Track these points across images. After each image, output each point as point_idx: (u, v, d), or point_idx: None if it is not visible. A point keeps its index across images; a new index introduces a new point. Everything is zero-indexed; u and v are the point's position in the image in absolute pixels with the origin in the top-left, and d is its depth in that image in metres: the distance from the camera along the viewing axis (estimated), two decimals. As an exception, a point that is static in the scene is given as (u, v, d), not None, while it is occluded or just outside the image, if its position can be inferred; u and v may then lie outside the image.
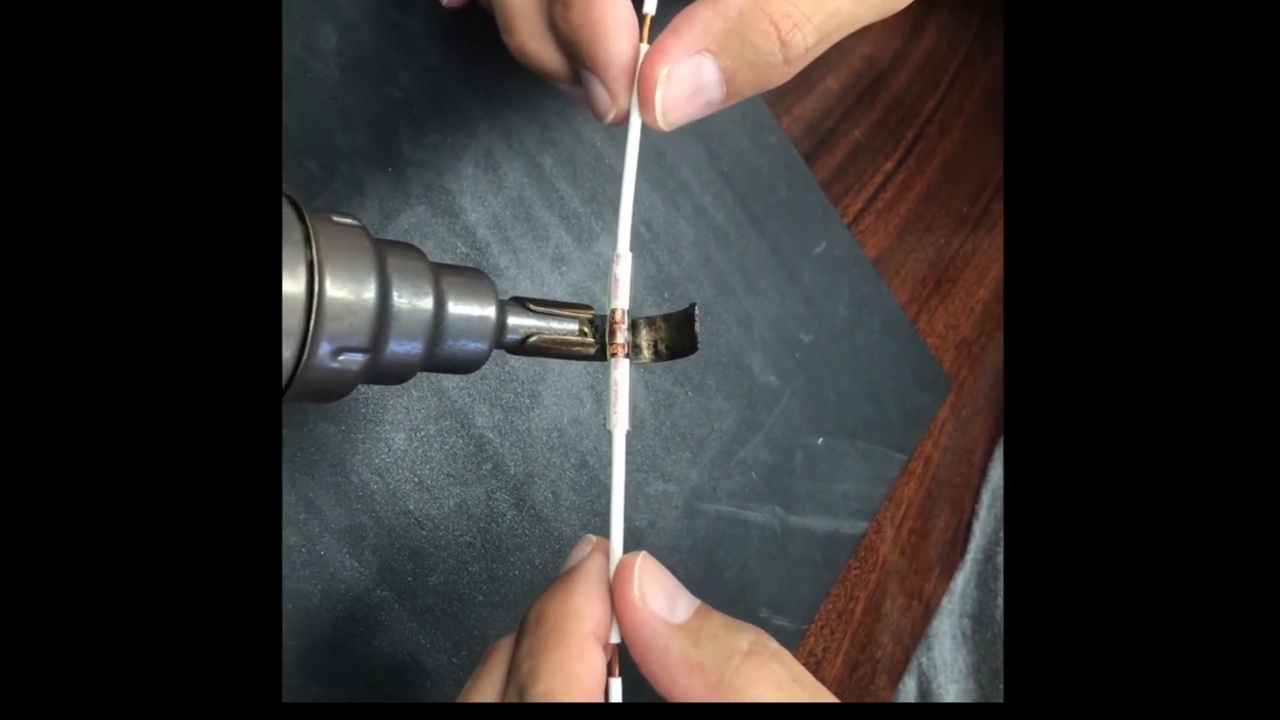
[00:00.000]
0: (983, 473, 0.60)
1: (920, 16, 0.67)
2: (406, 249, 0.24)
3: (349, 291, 0.22)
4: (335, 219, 0.22)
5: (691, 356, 0.26)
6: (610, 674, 0.22)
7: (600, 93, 0.25)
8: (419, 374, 0.25)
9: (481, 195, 0.39)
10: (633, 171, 0.25)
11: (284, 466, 0.32)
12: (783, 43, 0.23)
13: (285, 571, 0.31)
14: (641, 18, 0.25)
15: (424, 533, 0.34)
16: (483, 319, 0.25)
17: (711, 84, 0.24)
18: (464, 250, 0.38)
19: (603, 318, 0.26)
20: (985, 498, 0.59)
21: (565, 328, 0.26)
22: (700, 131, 0.48)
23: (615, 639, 0.23)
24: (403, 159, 0.36)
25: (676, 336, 0.26)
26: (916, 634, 0.54)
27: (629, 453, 0.41)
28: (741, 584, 0.44)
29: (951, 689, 0.53)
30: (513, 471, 0.37)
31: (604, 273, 0.25)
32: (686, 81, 0.24)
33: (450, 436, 0.36)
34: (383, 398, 0.34)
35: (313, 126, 0.34)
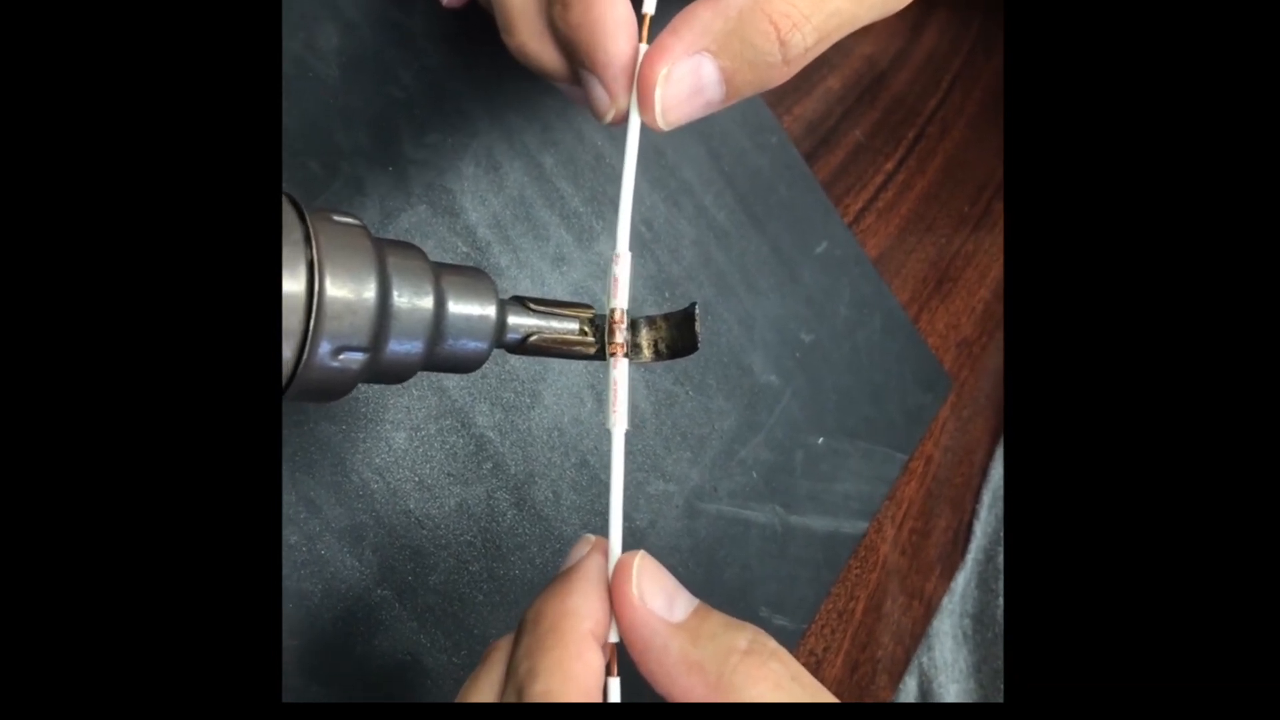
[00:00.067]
0: (984, 472, 0.60)
1: (921, 16, 0.67)
2: (407, 248, 0.24)
3: (349, 291, 0.22)
4: (336, 218, 0.22)
5: (692, 356, 0.26)
6: (609, 673, 0.22)
7: (599, 92, 0.25)
8: (419, 373, 0.25)
9: (482, 195, 0.39)
10: (632, 171, 0.25)
11: (285, 466, 0.32)
12: (782, 43, 0.23)
13: (286, 571, 0.31)
14: (641, 17, 0.25)
15: (424, 532, 0.34)
16: (483, 318, 0.25)
17: (711, 84, 0.24)
18: (465, 250, 0.38)
19: (603, 317, 0.26)
20: (986, 498, 0.59)
21: (566, 327, 0.26)
22: (701, 131, 0.48)
23: (614, 638, 0.23)
24: (404, 158, 0.37)
25: (677, 336, 0.26)
26: (917, 634, 0.54)
27: (630, 452, 0.41)
28: (742, 584, 0.44)
29: (952, 689, 0.53)
30: (513, 471, 0.37)
31: (604, 272, 0.25)
32: (686, 81, 0.24)
33: (451, 436, 0.36)
34: (383, 397, 0.35)
35: (314, 126, 0.34)
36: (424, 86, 0.38)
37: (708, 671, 0.21)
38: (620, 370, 0.25)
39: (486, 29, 0.30)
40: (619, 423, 0.25)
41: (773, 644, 0.21)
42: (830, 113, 0.58)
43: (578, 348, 0.26)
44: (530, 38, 0.27)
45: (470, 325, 0.25)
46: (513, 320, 0.26)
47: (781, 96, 0.55)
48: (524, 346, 0.26)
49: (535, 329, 0.26)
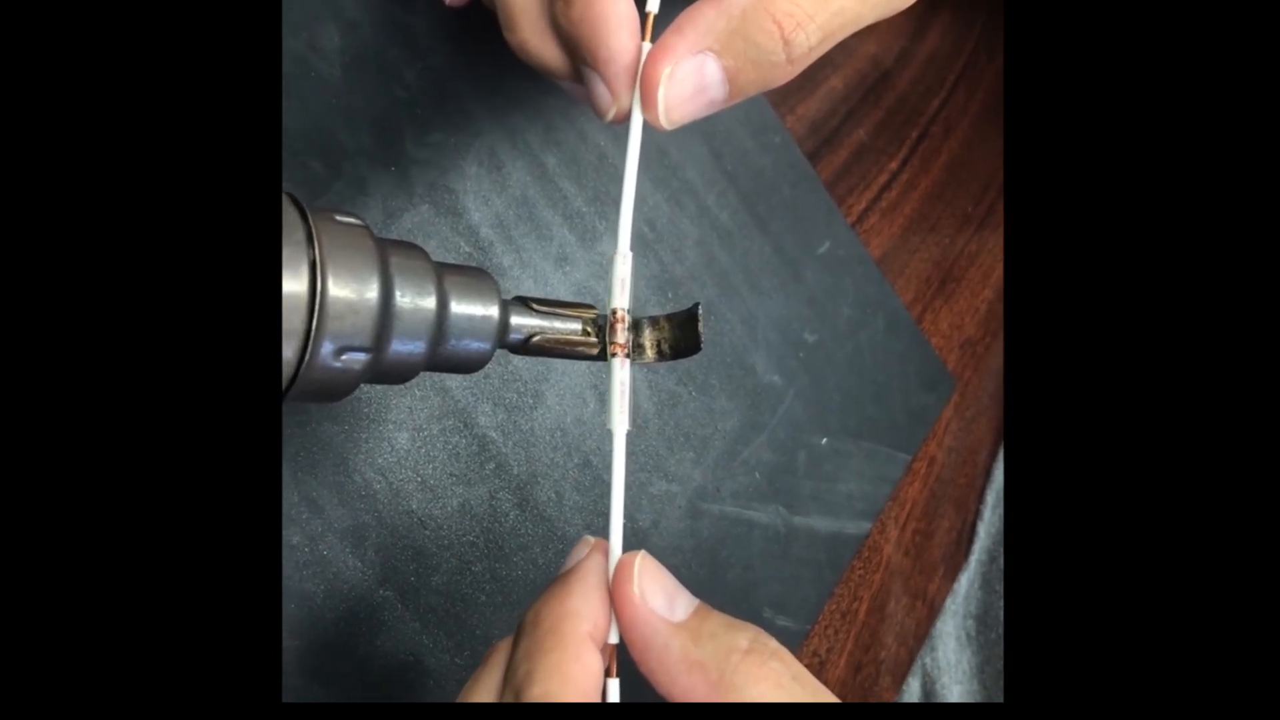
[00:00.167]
0: (987, 473, 0.60)
1: (925, 16, 0.67)
2: (409, 248, 0.24)
3: (352, 291, 0.22)
4: (338, 218, 0.22)
5: (695, 356, 0.26)
6: (608, 675, 0.22)
7: (601, 90, 0.25)
8: (422, 373, 0.25)
9: (485, 195, 0.39)
10: (634, 170, 0.25)
11: (287, 466, 0.32)
12: (786, 42, 0.23)
13: (288, 571, 0.31)
14: (644, 16, 0.25)
15: (427, 532, 0.34)
16: (485, 318, 0.25)
17: (714, 83, 0.24)
18: (467, 250, 0.38)
19: (605, 317, 0.26)
20: (989, 498, 0.59)
21: (568, 327, 0.26)
22: (704, 131, 0.48)
23: (614, 639, 0.23)
24: (406, 158, 0.37)
25: (680, 336, 0.26)
26: (920, 635, 0.54)
27: (632, 453, 0.41)
28: (745, 584, 0.44)
29: (955, 690, 0.53)
30: (516, 471, 0.37)
31: (607, 272, 0.25)
32: (689, 80, 0.24)
33: (453, 436, 0.36)
34: (386, 397, 0.35)
35: (316, 126, 0.34)
36: (427, 86, 0.38)
37: (709, 671, 0.21)
38: (621, 370, 0.25)
39: (489, 28, 0.30)
40: (620, 423, 0.25)
41: (774, 644, 0.21)
42: (834, 112, 0.58)
43: (580, 348, 0.26)
44: (532, 35, 0.27)
45: (473, 325, 0.25)
46: (515, 320, 0.26)
47: (785, 96, 0.55)
48: (527, 347, 0.26)
49: (538, 329, 0.26)
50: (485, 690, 0.22)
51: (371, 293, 0.22)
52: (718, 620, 0.22)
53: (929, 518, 0.56)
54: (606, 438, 0.40)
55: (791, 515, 0.47)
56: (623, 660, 0.22)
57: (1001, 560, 0.56)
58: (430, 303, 0.24)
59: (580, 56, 0.26)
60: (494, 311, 0.25)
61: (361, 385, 0.23)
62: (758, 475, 0.46)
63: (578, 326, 0.26)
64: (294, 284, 0.20)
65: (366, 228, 0.23)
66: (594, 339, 0.26)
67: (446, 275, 0.25)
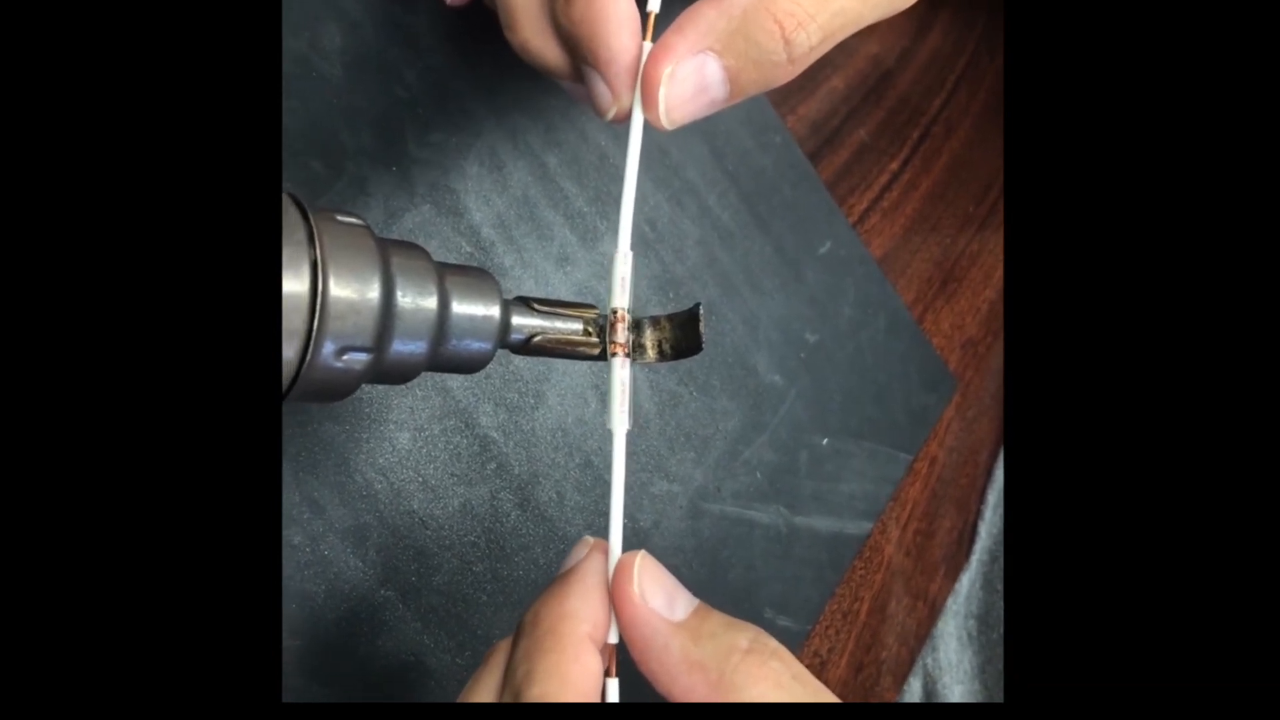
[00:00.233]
0: (988, 473, 0.60)
1: (926, 15, 0.67)
2: (410, 248, 0.24)
3: (353, 291, 0.22)
4: (339, 218, 0.22)
5: (696, 356, 0.26)
6: (608, 675, 0.22)
7: (601, 89, 0.25)
8: (423, 373, 0.25)
9: (486, 195, 0.39)
10: (634, 170, 0.25)
11: (288, 466, 0.32)
12: (787, 41, 0.23)
13: (289, 571, 0.31)
14: (645, 15, 0.25)
15: (428, 532, 0.34)
16: (487, 318, 0.25)
17: (715, 83, 0.24)
18: (468, 250, 0.38)
19: (606, 317, 0.26)
20: (991, 498, 0.59)
21: (569, 327, 0.26)
22: (705, 131, 0.48)
23: (614, 639, 0.23)
24: (407, 158, 0.37)
25: (681, 336, 0.26)
26: (922, 635, 0.54)
27: (633, 453, 0.41)
28: (746, 584, 0.44)
29: (957, 690, 0.53)
30: (517, 471, 0.37)
31: (608, 272, 0.25)
32: (690, 80, 0.24)
33: (454, 436, 0.36)
34: (387, 397, 0.35)
35: (317, 126, 0.34)
36: (428, 86, 0.38)
37: (709, 670, 0.21)
38: (622, 370, 0.25)
39: (490, 28, 0.30)
40: (621, 423, 0.25)
41: (774, 643, 0.21)
42: (835, 112, 0.58)
43: (582, 348, 0.26)
44: (533, 34, 0.27)
45: (474, 325, 0.25)
46: (516, 320, 0.26)
47: (786, 96, 0.55)
48: (528, 347, 0.26)
49: (539, 329, 0.26)
50: (485, 690, 0.22)
51: (373, 293, 0.22)
52: (718, 620, 0.22)
53: (930, 518, 0.56)
54: (607, 438, 0.40)
55: (793, 515, 0.47)
56: (623, 660, 0.22)
57: (1002, 560, 0.56)
58: (431, 303, 0.24)
59: (581, 56, 0.26)
60: (495, 311, 0.25)
61: (363, 385, 0.23)
62: (759, 475, 0.46)
63: (579, 326, 0.26)
64: (295, 284, 0.20)
65: (367, 228, 0.23)
66: (595, 339, 0.26)
67: (448, 275, 0.25)
